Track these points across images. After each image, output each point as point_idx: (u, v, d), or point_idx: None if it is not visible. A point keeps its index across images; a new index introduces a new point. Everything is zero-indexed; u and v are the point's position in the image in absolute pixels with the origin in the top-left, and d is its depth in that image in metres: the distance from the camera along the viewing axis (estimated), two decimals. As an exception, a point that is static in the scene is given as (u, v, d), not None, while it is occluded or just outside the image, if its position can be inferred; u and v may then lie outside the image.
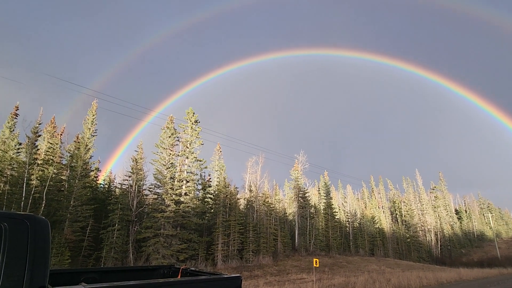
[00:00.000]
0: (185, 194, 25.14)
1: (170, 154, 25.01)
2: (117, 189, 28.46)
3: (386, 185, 73.66)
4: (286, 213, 46.73)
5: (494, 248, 61.80)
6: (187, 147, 26.20)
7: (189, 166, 26.33)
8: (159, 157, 24.87)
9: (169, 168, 24.50)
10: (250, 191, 35.71)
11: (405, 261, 42.94)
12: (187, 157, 26.14)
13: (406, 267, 30.42)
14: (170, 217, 22.35)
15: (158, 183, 24.52)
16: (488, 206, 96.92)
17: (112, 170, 37.39)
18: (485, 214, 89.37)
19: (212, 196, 30.47)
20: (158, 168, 24.54)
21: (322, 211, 43.73)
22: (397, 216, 64.70)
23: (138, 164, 25.35)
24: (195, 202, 26.05)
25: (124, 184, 25.40)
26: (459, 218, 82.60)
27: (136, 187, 24.56)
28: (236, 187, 34.17)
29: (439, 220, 68.32)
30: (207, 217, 28.35)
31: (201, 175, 31.12)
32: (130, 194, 24.06)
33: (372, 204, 63.72)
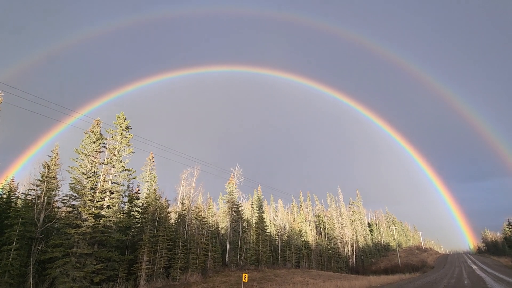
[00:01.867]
0: (108, 207, 22.64)
1: (93, 161, 22.41)
2: (19, 200, 23.97)
3: (313, 200, 79.56)
4: (219, 227, 46.08)
5: (396, 257, 71.83)
6: (114, 154, 23.90)
7: (115, 175, 23.95)
8: (79, 164, 22.02)
9: (90, 177, 21.84)
10: (183, 204, 34.24)
11: (326, 272, 46.42)
12: (113, 166, 23.78)
13: (327, 278, 32.86)
14: (87, 233, 19.71)
15: (75, 194, 21.52)
16: (393, 220, 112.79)
17: (15, 177, 31.42)
18: (390, 227, 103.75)
19: (139, 210, 28.14)
20: (76, 177, 21.62)
21: (254, 225, 44.49)
22: (321, 229, 70.03)
23: (51, 171, 21.93)
24: (119, 216, 23.64)
25: (29, 195, 21.54)
26: (371, 231, 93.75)
27: (46, 198, 21.10)
28: (168, 200, 32.31)
29: (355, 232, 76.41)
30: (132, 233, 25.95)
31: (128, 186, 28.58)
32: (37, 207, 20.50)
33: (300, 218, 67.66)
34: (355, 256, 70.63)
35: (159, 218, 26.83)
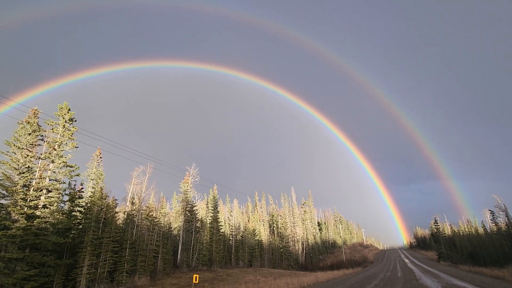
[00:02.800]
0: (44, 206, 20.38)
1: (28, 155, 19.98)
2: None
3: (268, 200, 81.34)
4: (172, 227, 44.53)
5: (342, 253, 77.02)
6: (54, 148, 21.61)
7: (54, 172, 21.67)
8: (10, 158, 19.46)
9: (23, 173, 19.43)
10: (132, 203, 32.36)
11: (277, 270, 47.83)
12: (52, 161, 21.49)
13: (277, 275, 33.87)
14: (17, 236, 17.50)
15: (4, 192, 18.97)
16: (340, 219, 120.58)
17: None
18: (337, 226, 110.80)
19: (82, 209, 25.84)
20: (6, 173, 19.06)
21: (209, 225, 43.93)
22: (274, 228, 71.93)
23: (-28, 165, 19.01)
24: (58, 216, 21.44)
25: None
26: (320, 229, 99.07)
27: (-35, 196, 18.23)
28: (116, 199, 30.19)
29: (306, 231, 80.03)
30: (72, 235, 23.72)
31: (70, 184, 26.08)
32: (-48, 206, 17.61)
33: (254, 217, 68.64)
34: (305, 253, 73.99)
35: (104, 218, 24.97)
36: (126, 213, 31.63)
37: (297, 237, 72.38)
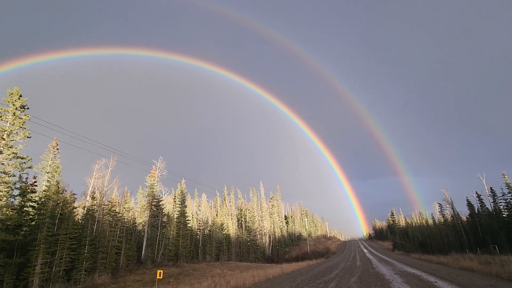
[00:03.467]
0: (-10, 201, 18.59)
1: (-29, 145, 18.01)
2: None
3: (237, 194, 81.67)
4: (136, 223, 42.98)
5: (307, 245, 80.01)
6: (3, 138, 19.69)
7: (2, 163, 19.78)
8: None
9: (-35, 164, 17.51)
10: (93, 198, 30.62)
11: (245, 263, 48.49)
12: (0, 152, 19.58)
13: (244, 268, 34.37)
14: (-44, 234, 15.80)
15: None
16: (306, 213, 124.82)
17: None
18: (303, 219, 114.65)
19: (35, 205, 23.92)
20: None
21: (176, 219, 43.08)
22: (242, 222, 72.59)
23: None
24: (7, 212, 19.68)
25: None
26: (287, 223, 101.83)
27: None
28: (74, 194, 28.37)
29: (273, 224, 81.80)
30: (23, 232, 21.90)
31: (21, 177, 23.92)
32: None
33: (223, 212, 68.63)
34: (272, 246, 75.74)
35: (61, 214, 23.41)
36: (86, 208, 29.89)
37: (265, 231, 73.76)
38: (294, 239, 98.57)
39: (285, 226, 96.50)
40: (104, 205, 30.58)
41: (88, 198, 30.54)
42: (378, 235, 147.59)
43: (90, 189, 30.78)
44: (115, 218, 30.09)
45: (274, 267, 33.15)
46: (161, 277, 17.46)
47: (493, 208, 44.23)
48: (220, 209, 71.96)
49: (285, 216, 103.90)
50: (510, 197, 40.69)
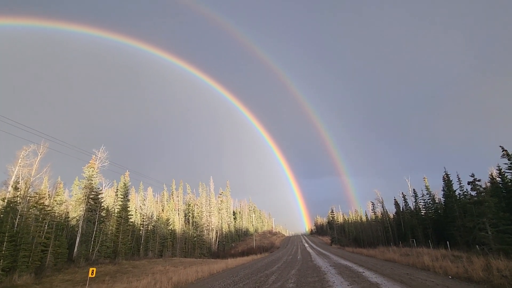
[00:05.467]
0: None
1: None
2: None
3: (185, 189, 79.54)
4: (69, 217, 38.97)
5: (253, 241, 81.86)
6: None
7: None
8: None
9: None
10: (16, 189, 26.88)
11: (189, 258, 47.64)
12: None
13: (188, 264, 33.79)
14: None
15: None
16: (254, 209, 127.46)
17: None
18: (251, 215, 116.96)
19: None
20: None
21: (117, 214, 40.24)
22: (190, 217, 71.09)
23: None
24: None
25: None
26: (235, 218, 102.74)
27: None
28: (-9, 183, 24.60)
29: (221, 220, 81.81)
30: None
31: None
32: None
33: (169, 206, 66.24)
34: (218, 241, 75.73)
35: (-27, 206, 20.13)
36: (6, 200, 26.12)
37: (212, 226, 73.35)
38: (241, 235, 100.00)
39: (233, 222, 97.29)
40: (30, 197, 27.13)
41: (10, 188, 26.72)
42: (319, 230, 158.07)
43: (13, 179, 26.94)
44: (43, 211, 26.95)
45: (219, 262, 33.28)
46: (93, 276, 16.15)
47: (414, 207, 50.76)
48: (167, 204, 69.31)
49: (234, 212, 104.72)
50: (427, 198, 47.22)
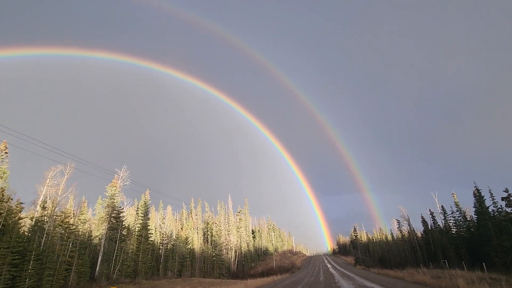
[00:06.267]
0: None
1: None
2: None
3: (204, 207, 79.67)
4: (92, 236, 39.89)
5: (273, 260, 79.59)
6: None
7: None
8: None
9: None
10: (44, 208, 28.01)
11: (208, 279, 46.82)
12: None
13: (207, 285, 33.18)
14: None
15: None
16: (273, 227, 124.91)
17: None
18: (270, 233, 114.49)
19: (-27, 214, 21.35)
20: None
21: (137, 232, 40.74)
22: (209, 236, 70.62)
23: None
24: None
25: None
26: (254, 237, 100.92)
27: None
28: (21, 203, 25.78)
29: (240, 239, 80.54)
30: (-46, 245, 19.33)
31: (-42, 183, 21.35)
32: None
33: (188, 225, 66.33)
34: (237, 261, 74.21)
35: (3, 225, 21.10)
36: (34, 219, 27.22)
37: (231, 245, 72.27)
38: (260, 254, 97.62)
39: (252, 241, 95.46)
40: (56, 216, 28.12)
41: (38, 208, 27.91)
42: (341, 250, 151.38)
43: (41, 198, 28.19)
44: (67, 230, 27.76)
45: (239, 283, 32.42)
46: (115, 296, 16.17)
47: (443, 225, 47.71)
48: (186, 222, 69.46)
49: (253, 231, 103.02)
50: (457, 215, 44.32)
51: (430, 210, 52.28)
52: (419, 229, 60.22)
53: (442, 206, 47.70)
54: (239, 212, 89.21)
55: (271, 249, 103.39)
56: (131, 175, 39.05)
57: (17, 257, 21.10)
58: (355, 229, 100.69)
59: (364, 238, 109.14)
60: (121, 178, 37.74)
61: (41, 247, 24.31)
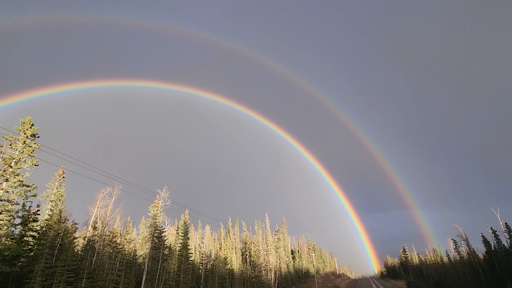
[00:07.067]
0: (-9, 230, 18.34)
1: (-21, 172, 18.23)
2: None
3: (241, 226, 79.36)
4: (137, 255, 41.56)
5: (315, 283, 75.50)
6: (10, 166, 19.95)
7: (6, 191, 19.82)
8: (-43, 175, 17.62)
9: (-30, 192, 17.57)
10: (94, 228, 30.05)
11: (248, 301, 45.57)
12: (6, 180, 19.72)
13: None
14: (-47, 264, 15.38)
15: None
16: (313, 247, 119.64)
17: None
18: (310, 254, 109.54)
19: (36, 234, 23.52)
20: (-51, 191, 17.12)
21: (177, 252, 41.57)
22: (247, 256, 69.57)
23: None
24: (6, 241, 19.31)
25: None
26: (293, 258, 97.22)
27: None
28: (76, 223, 27.98)
29: (279, 259, 78.13)
30: (21, 263, 21.30)
31: (24, 205, 23.84)
32: None
33: (226, 245, 66.20)
34: (277, 283, 71.57)
35: (61, 244, 22.87)
36: (86, 238, 29.22)
37: (270, 266, 70.25)
38: (301, 276, 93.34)
39: (292, 262, 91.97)
40: (105, 235, 29.89)
41: (90, 228, 30.00)
42: (390, 273, 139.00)
43: (92, 219, 30.33)
44: (115, 249, 29.22)
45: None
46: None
47: (509, 244, 41.75)
48: (224, 242, 69.45)
49: (292, 251, 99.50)
50: (528, 233, 38.62)
51: (492, 228, 46.34)
52: (480, 250, 53.46)
53: (506, 223, 42.06)
54: (277, 232, 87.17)
55: (312, 270, 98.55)
56: (171, 195, 40.55)
57: (72, 275, 22.57)
58: (404, 249, 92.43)
59: (415, 260, 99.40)
60: (162, 199, 39.32)
61: (92, 265, 25.81)
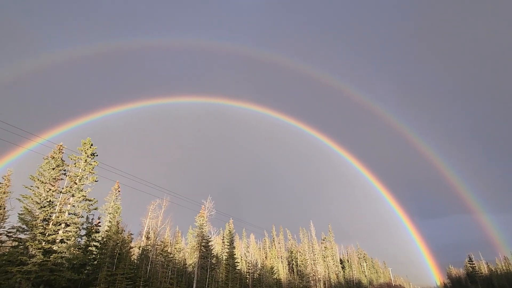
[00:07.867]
0: (61, 241, 20.45)
1: (50, 190, 20.59)
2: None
3: (286, 235, 78.04)
4: (186, 263, 43.10)
5: (368, 295, 70.60)
6: (75, 182, 22.24)
7: (73, 206, 22.06)
8: (33, 192, 20.10)
9: (44, 207, 19.88)
10: (147, 238, 31.93)
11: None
12: (73, 195, 21.99)
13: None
14: (32, 272, 17.41)
15: (24, 226, 19.31)
16: (364, 256, 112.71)
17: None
18: (361, 263, 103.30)
19: (98, 244, 25.71)
20: (28, 207, 19.57)
21: (224, 261, 42.21)
22: (293, 266, 67.95)
23: (-2, 199, 19.75)
24: (74, 251, 21.38)
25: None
26: (343, 267, 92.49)
27: (-13, 230, 18.71)
28: (131, 234, 30.04)
29: (328, 269, 74.92)
30: (87, 271, 23.37)
31: (88, 218, 26.29)
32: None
33: (272, 254, 65.53)
34: (328, 294, 68.49)
35: (119, 254, 24.63)
36: (141, 248, 31.13)
37: (319, 276, 67.65)
38: (352, 287, 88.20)
39: (341, 272, 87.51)
40: (157, 245, 31.54)
41: (143, 238, 31.94)
42: (455, 284, 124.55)
43: (145, 229, 32.30)
44: (167, 258, 30.62)
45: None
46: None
47: None
48: (269, 251, 68.86)
49: (341, 260, 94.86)
50: None
51: None
52: None
53: None
54: (323, 240, 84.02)
55: (364, 281, 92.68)
56: (215, 205, 41.55)
57: (130, 282, 24.10)
58: (470, 258, 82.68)
59: (484, 270, 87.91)
60: (207, 209, 40.50)
61: (147, 273, 27.31)
